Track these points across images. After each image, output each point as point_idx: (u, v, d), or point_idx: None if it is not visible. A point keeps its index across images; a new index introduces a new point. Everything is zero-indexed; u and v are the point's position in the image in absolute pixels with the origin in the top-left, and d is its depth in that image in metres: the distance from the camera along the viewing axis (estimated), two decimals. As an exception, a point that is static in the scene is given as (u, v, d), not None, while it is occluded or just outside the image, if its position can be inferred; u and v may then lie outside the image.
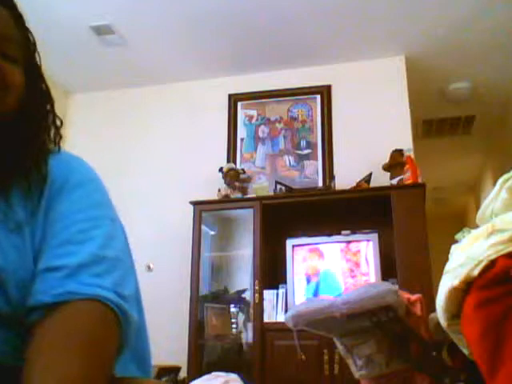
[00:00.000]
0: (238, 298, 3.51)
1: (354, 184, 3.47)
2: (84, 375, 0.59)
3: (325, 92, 4.00)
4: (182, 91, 4.31)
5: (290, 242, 3.39)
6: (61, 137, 0.84)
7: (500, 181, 1.19)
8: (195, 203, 3.58)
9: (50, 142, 0.82)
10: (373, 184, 3.46)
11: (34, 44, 0.83)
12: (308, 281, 3.32)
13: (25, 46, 0.81)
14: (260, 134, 4.06)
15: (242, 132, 4.09)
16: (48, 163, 0.78)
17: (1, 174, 0.74)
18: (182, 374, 3.25)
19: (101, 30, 3.63)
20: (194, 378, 2.03)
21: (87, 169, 0.83)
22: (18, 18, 0.80)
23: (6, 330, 0.67)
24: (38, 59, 0.83)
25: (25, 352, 0.63)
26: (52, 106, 0.84)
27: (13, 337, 0.67)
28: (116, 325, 0.67)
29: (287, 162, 3.93)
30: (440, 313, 1.22)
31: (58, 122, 0.84)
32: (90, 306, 0.66)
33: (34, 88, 0.82)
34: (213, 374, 1.89)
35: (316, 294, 3.27)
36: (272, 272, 3.45)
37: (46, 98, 0.84)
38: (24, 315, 0.66)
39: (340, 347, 1.89)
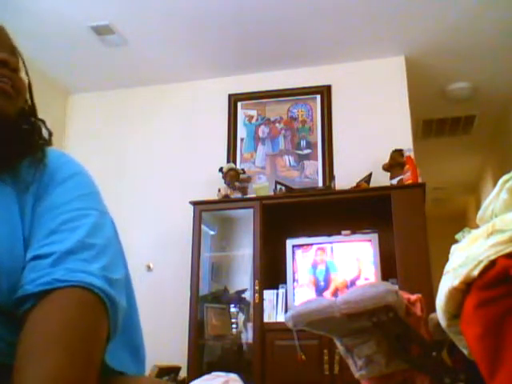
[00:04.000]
0: (238, 298, 3.51)
1: (354, 184, 3.47)
2: (70, 370, 0.59)
3: (325, 92, 4.00)
4: (182, 91, 4.31)
5: (290, 242, 3.39)
6: (50, 134, 0.89)
7: (500, 181, 1.19)
8: (195, 203, 3.58)
9: (42, 137, 0.87)
10: (373, 184, 3.46)
11: (20, 54, 0.90)
12: (315, 269, 3.31)
13: (19, 57, 0.88)
14: (260, 134, 4.06)
15: (241, 132, 4.09)
16: (45, 152, 0.83)
17: (10, 157, 0.80)
18: (182, 373, 3.25)
19: (101, 30, 3.63)
20: (194, 378, 2.03)
21: (74, 163, 0.85)
22: (7, 33, 0.88)
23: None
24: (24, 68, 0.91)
25: (16, 346, 0.62)
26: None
27: (6, 332, 0.67)
28: (103, 311, 0.67)
29: (287, 162, 3.93)
30: (440, 313, 1.22)
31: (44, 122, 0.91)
32: (77, 293, 0.66)
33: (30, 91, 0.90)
34: (213, 374, 1.88)
35: (327, 277, 3.27)
36: (272, 272, 3.45)
37: (33, 99, 0.90)
38: (15, 307, 0.66)
39: (340, 347, 1.89)
